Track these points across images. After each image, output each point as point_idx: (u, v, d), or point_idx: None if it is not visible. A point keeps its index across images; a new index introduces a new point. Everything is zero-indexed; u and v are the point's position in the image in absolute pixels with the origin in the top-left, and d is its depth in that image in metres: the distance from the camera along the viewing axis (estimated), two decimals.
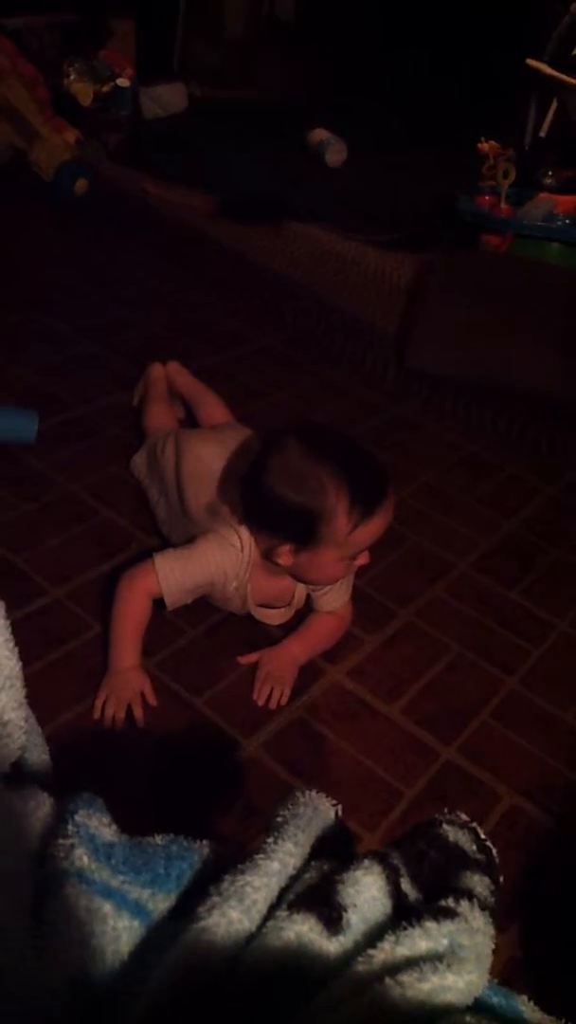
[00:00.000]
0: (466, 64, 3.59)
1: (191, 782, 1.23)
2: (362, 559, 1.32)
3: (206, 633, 1.44)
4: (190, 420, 1.84)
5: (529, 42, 2.96)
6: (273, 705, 1.34)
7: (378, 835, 1.19)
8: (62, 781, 0.67)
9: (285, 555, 1.28)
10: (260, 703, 1.34)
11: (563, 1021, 0.42)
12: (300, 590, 1.41)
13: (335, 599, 1.42)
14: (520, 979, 0.94)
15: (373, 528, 1.25)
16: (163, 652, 1.39)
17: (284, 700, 1.35)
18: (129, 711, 1.28)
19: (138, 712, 1.28)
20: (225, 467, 1.45)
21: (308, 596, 1.43)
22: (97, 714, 1.28)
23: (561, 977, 0.97)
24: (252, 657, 1.40)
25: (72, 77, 3.38)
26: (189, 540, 1.37)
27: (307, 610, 1.46)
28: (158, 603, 1.33)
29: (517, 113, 3.23)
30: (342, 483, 1.21)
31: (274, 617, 1.45)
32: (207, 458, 1.47)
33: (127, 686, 1.30)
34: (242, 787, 1.23)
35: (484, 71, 3.48)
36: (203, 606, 1.45)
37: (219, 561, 1.32)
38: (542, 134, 3.18)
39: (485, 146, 2.70)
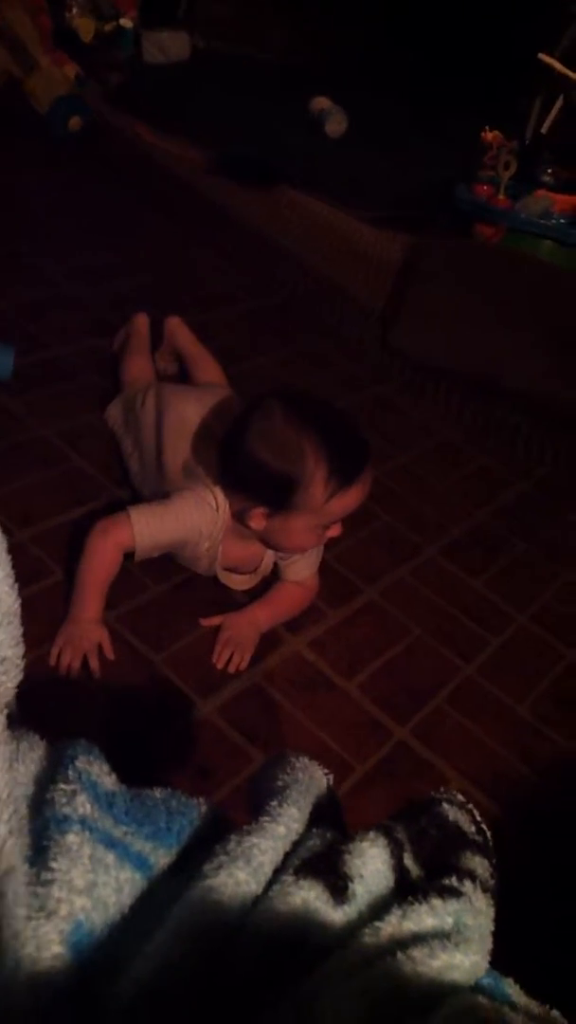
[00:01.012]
0: (477, 52, 3.56)
1: (145, 738, 1.22)
2: (334, 530, 1.31)
3: (170, 591, 1.43)
4: (182, 377, 1.82)
5: (542, 36, 2.94)
6: (232, 669, 1.33)
7: None
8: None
9: (257, 518, 1.27)
10: (219, 666, 1.33)
11: (548, 1007, 0.42)
12: (268, 557, 1.40)
13: (303, 569, 1.42)
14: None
15: (349, 499, 1.25)
16: (125, 606, 1.38)
17: (244, 666, 1.34)
18: (85, 662, 1.27)
19: (94, 664, 1.27)
20: (202, 426, 1.43)
21: (276, 565, 1.43)
22: (53, 661, 1.26)
23: (509, 961, 0.98)
24: (215, 620, 1.39)
25: (75, 11, 3.28)
26: (163, 496, 1.35)
27: (273, 578, 1.45)
28: (125, 555, 1.31)
29: (523, 107, 3.22)
30: (322, 451, 1.20)
31: (239, 583, 1.44)
32: (190, 416, 1.45)
33: (85, 637, 1.28)
34: (195, 748, 1.22)
35: (494, 60, 3.45)
36: (168, 563, 1.43)
37: (195, 519, 1.30)
38: (544, 131, 3.18)
39: (489, 135, 2.68)
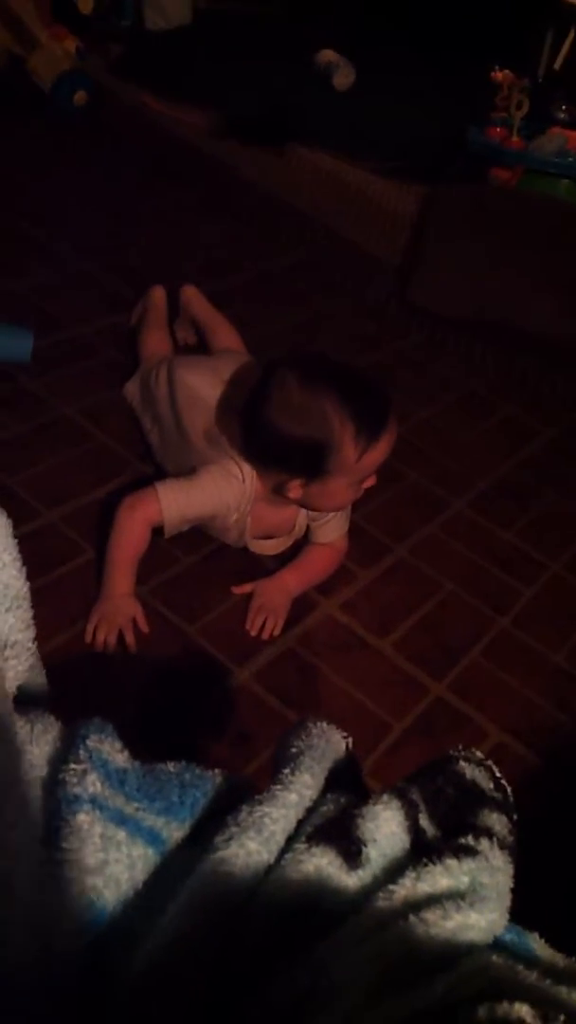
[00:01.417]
0: None
1: (183, 709, 1.23)
2: (370, 481, 1.32)
3: (200, 561, 1.43)
4: (201, 346, 1.81)
5: None
6: (266, 636, 1.34)
7: (367, 767, 1.20)
8: (55, 705, 0.66)
9: (296, 489, 1.27)
10: (253, 633, 1.34)
11: (573, 959, 0.42)
12: (302, 518, 1.40)
13: (333, 530, 1.41)
14: (510, 912, 0.96)
15: (379, 452, 1.25)
16: (157, 579, 1.38)
17: (277, 631, 1.34)
18: (121, 637, 1.28)
19: (130, 638, 1.28)
20: (221, 397, 1.42)
21: (309, 530, 1.42)
22: (89, 638, 1.27)
23: (546, 910, 0.99)
24: (246, 587, 1.39)
25: None
26: (188, 470, 1.35)
27: (303, 541, 1.45)
28: (155, 530, 1.32)
29: (532, 43, 3.13)
30: (345, 410, 1.20)
31: (271, 547, 1.44)
32: (198, 387, 1.45)
33: (120, 612, 1.29)
34: (233, 715, 1.23)
35: None
36: (198, 535, 1.44)
37: (222, 493, 1.31)
38: (557, 67, 3.09)
39: (499, 75, 2.61)
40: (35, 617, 0.53)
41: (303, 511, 1.38)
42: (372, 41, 3.43)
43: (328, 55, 3.25)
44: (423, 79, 3.25)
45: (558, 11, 3.02)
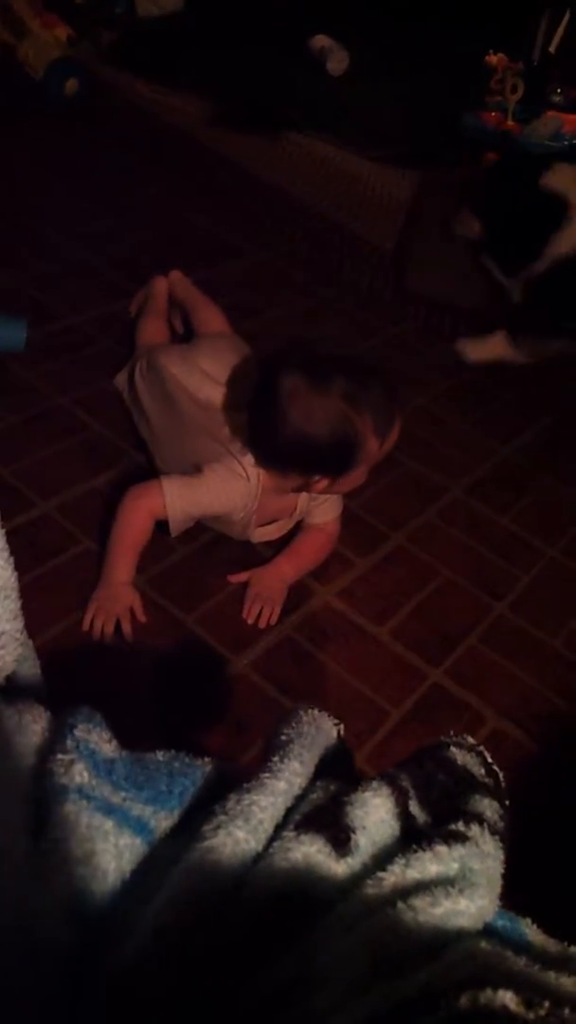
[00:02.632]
0: None
1: (180, 698, 1.23)
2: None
3: (197, 551, 1.43)
4: (188, 332, 1.80)
5: None
6: (263, 624, 1.33)
7: (364, 753, 1.20)
8: (50, 695, 0.66)
9: (320, 485, 1.29)
10: (250, 621, 1.33)
11: (565, 944, 0.42)
12: (303, 500, 1.40)
13: (329, 511, 1.42)
14: (503, 898, 0.96)
15: (395, 434, 1.28)
16: (154, 569, 1.38)
17: (274, 619, 1.34)
18: (118, 626, 1.28)
19: (127, 627, 1.28)
20: (213, 391, 1.41)
21: (307, 511, 1.42)
22: (86, 627, 1.27)
23: (541, 896, 0.99)
24: (242, 576, 1.39)
25: None
26: (185, 465, 1.35)
27: (296, 527, 1.45)
28: (158, 524, 1.32)
29: (527, 25, 3.10)
30: (363, 405, 1.21)
31: (273, 532, 1.44)
32: (181, 376, 1.44)
33: (117, 601, 1.29)
34: (231, 703, 1.23)
35: None
36: (195, 526, 1.43)
37: (229, 493, 1.31)
38: (552, 49, 3.07)
39: (493, 59, 2.59)
40: (31, 608, 0.53)
41: (305, 493, 1.38)
42: (366, 26, 3.41)
43: (322, 40, 3.23)
44: (417, 64, 3.22)
45: None
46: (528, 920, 0.42)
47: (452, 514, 1.61)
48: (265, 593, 1.36)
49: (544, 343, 2.00)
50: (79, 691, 0.90)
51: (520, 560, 1.55)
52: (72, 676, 1.20)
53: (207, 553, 1.43)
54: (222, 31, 3.27)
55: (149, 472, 1.51)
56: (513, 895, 0.48)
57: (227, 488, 1.31)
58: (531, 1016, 0.26)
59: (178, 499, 1.29)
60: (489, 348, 2.01)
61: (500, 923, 0.40)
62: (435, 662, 1.34)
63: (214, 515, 1.37)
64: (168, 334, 1.77)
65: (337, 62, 3.17)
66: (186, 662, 1.28)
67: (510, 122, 2.51)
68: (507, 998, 0.27)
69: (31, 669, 0.64)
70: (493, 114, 2.55)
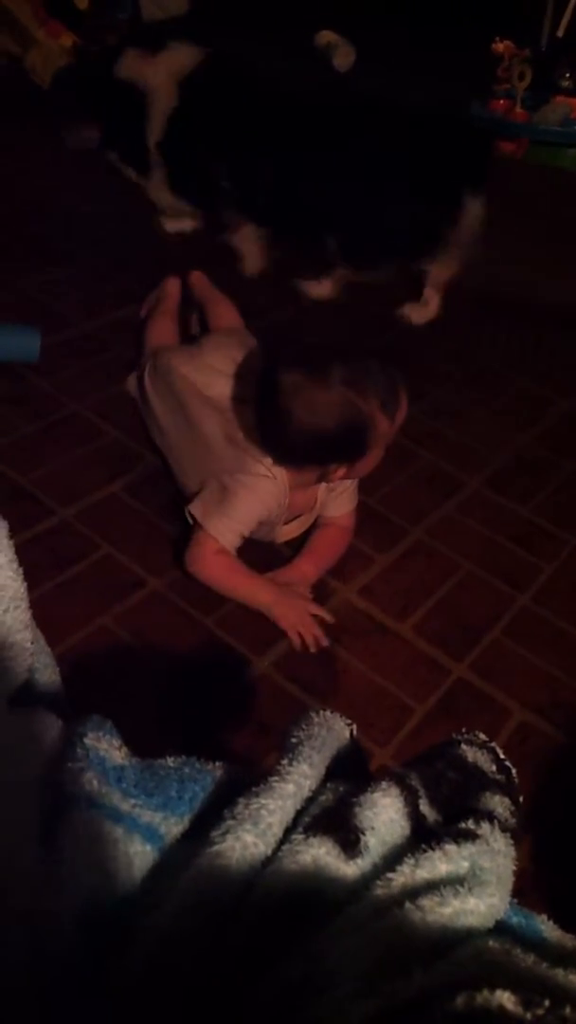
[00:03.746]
0: None
1: (203, 700, 1.23)
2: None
3: None
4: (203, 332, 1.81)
5: None
6: (315, 649, 1.32)
7: (390, 751, 1.20)
8: (74, 701, 0.66)
9: (339, 472, 1.29)
10: (300, 651, 1.32)
11: None
12: (322, 491, 1.40)
13: (344, 504, 1.43)
14: (531, 892, 0.95)
15: (404, 408, 1.28)
16: (172, 572, 1.38)
17: (323, 641, 1.33)
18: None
19: (319, 632, 1.31)
20: (228, 392, 1.42)
21: (324, 505, 1.42)
22: (298, 646, 1.30)
23: (571, 890, 0.98)
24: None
25: None
26: (205, 473, 1.36)
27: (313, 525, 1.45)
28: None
29: (534, 11, 3.08)
30: (366, 389, 1.21)
31: (295, 528, 1.44)
32: (192, 376, 1.45)
33: (293, 609, 1.32)
34: (254, 704, 1.23)
35: None
36: None
37: (261, 499, 1.32)
38: (559, 34, 3.04)
39: (500, 46, 2.58)
40: (53, 614, 0.54)
41: (323, 484, 1.38)
42: (371, 19, 3.40)
43: (327, 36, 3.23)
44: (424, 55, 3.21)
45: None
46: (544, 917, 0.42)
47: (471, 506, 1.60)
48: (292, 617, 1.32)
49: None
50: (101, 696, 0.90)
51: (542, 550, 1.53)
52: (96, 681, 1.21)
53: None
54: (227, 31, 3.27)
55: (166, 476, 1.52)
56: (542, 887, 0.48)
57: (259, 494, 1.31)
58: (528, 1016, 0.26)
59: (226, 531, 1.31)
60: (325, 287, 2.10)
61: (515, 920, 0.40)
62: (459, 657, 1.34)
63: (258, 523, 1.35)
64: (176, 335, 1.77)
65: (343, 56, 3.17)
66: (208, 664, 1.28)
67: (519, 109, 2.50)
68: (504, 998, 0.26)
69: (50, 677, 0.64)
70: (502, 101, 2.54)
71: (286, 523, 1.42)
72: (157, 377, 1.52)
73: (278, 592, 1.33)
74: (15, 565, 0.52)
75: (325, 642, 1.30)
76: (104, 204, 2.33)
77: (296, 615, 1.31)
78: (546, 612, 1.42)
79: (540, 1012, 0.26)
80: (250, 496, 1.31)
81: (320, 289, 2.10)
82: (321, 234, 2.00)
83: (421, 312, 2.07)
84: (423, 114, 1.91)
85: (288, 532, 1.44)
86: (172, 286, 1.86)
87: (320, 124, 1.93)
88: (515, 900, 0.41)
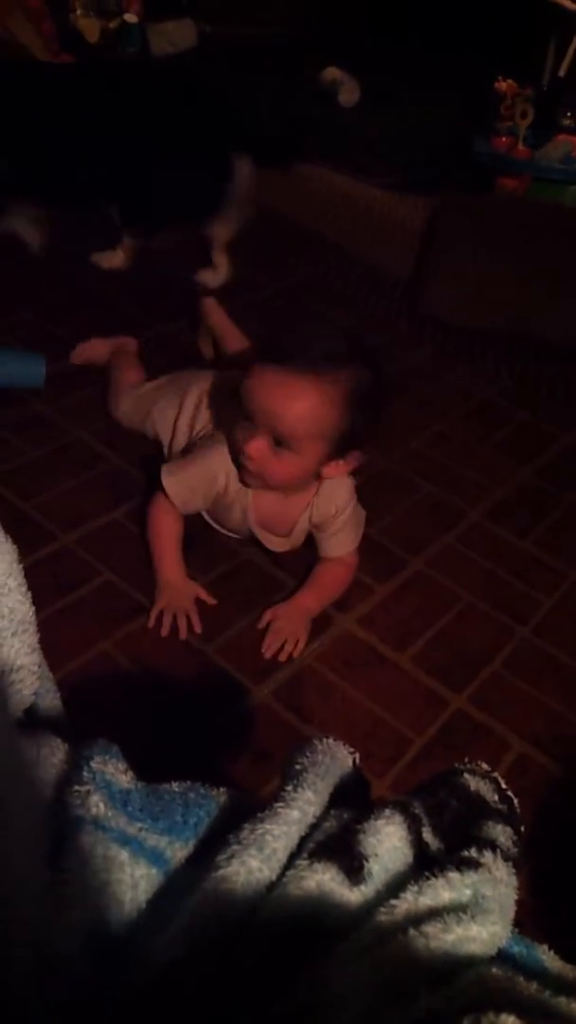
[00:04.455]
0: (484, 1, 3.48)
1: (202, 728, 1.23)
2: None
3: (215, 581, 1.44)
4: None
5: None
6: (284, 658, 1.33)
7: (387, 781, 1.19)
8: (72, 727, 0.66)
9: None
10: (268, 655, 1.33)
11: None
12: (301, 523, 1.39)
13: (345, 544, 1.41)
14: (529, 924, 0.95)
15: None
16: None
17: (297, 653, 1.34)
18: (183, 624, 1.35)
19: (195, 621, 1.35)
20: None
21: (316, 540, 1.42)
22: (152, 624, 1.34)
23: (570, 922, 0.98)
24: (266, 617, 1.38)
25: (79, 12, 3.29)
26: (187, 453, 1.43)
27: (314, 559, 1.45)
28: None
29: (536, 51, 3.14)
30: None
31: (276, 544, 1.44)
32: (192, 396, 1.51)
33: (180, 596, 1.36)
34: (253, 733, 1.23)
35: (502, 5, 3.37)
36: (210, 554, 1.45)
37: (211, 469, 1.35)
38: (561, 73, 3.10)
39: (503, 85, 2.62)
40: (53, 640, 0.54)
41: (304, 515, 1.38)
42: (376, 57, 3.46)
43: (333, 72, 3.28)
44: (427, 92, 3.27)
45: (561, 18, 3.02)
46: (544, 947, 0.42)
47: (472, 538, 1.61)
48: (289, 628, 1.36)
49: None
50: (101, 722, 0.90)
51: (542, 583, 1.54)
52: (95, 707, 1.21)
53: (225, 583, 1.44)
54: (234, 67, 3.33)
55: None
56: (540, 919, 0.48)
57: (211, 463, 1.35)
58: None
59: (173, 481, 1.36)
60: (118, 257, 2.20)
61: (516, 949, 0.40)
62: (458, 688, 1.34)
63: (211, 483, 1.36)
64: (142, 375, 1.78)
65: (348, 93, 3.22)
66: (207, 692, 1.29)
67: (521, 147, 2.54)
68: (510, 1021, 0.27)
69: (52, 701, 0.64)
70: (504, 139, 2.57)
71: (264, 528, 1.42)
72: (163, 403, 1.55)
73: (177, 579, 1.39)
74: (24, 589, 0.53)
75: (196, 630, 1.34)
76: (109, 230, 2.35)
77: (176, 601, 1.36)
78: (546, 645, 1.43)
79: None
80: (203, 463, 1.36)
81: (114, 260, 2.20)
82: (101, 203, 2.13)
83: (213, 276, 2.20)
84: (186, 82, 2.10)
85: (272, 543, 1.44)
86: (129, 344, 1.88)
87: (87, 96, 2.06)
88: (515, 930, 0.42)
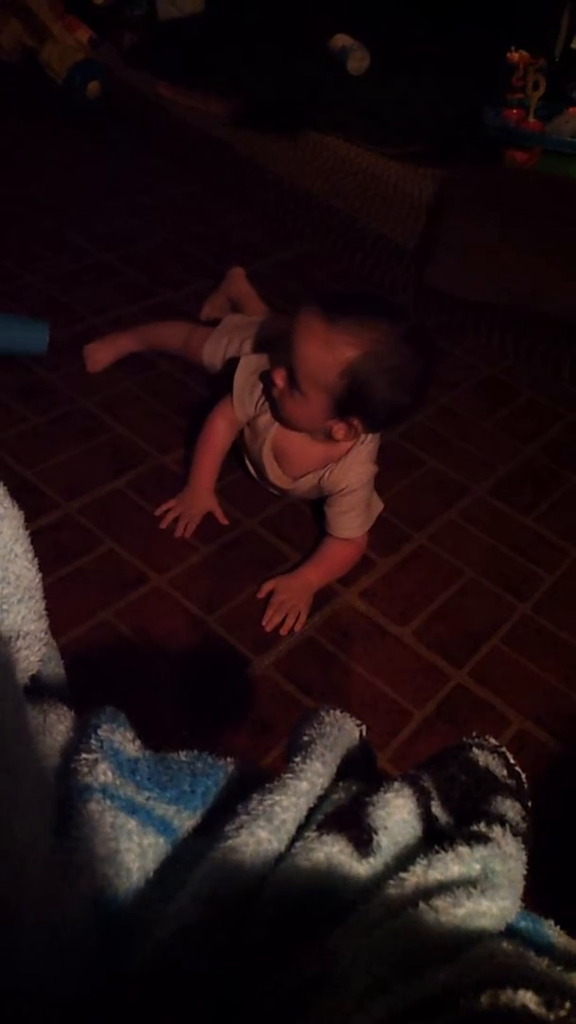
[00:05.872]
0: None
1: (203, 698, 1.23)
2: None
3: (218, 551, 1.43)
4: None
5: None
6: (284, 631, 1.33)
7: (387, 754, 1.20)
8: (74, 695, 0.66)
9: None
10: (268, 628, 1.33)
11: None
12: (311, 476, 1.41)
13: (348, 527, 1.41)
14: (526, 899, 0.95)
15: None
16: (175, 569, 1.39)
17: (299, 627, 1.34)
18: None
19: (190, 529, 1.42)
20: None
21: (327, 518, 1.42)
22: (159, 513, 1.45)
23: (568, 898, 0.98)
24: (267, 587, 1.38)
25: None
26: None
27: (321, 535, 1.45)
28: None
29: (548, 22, 3.09)
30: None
31: (278, 478, 1.46)
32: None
33: (196, 503, 1.44)
34: (253, 704, 1.23)
35: None
36: (215, 525, 1.44)
37: (246, 377, 1.42)
38: (574, 45, 3.05)
39: (515, 56, 2.58)
40: (55, 608, 0.54)
41: (317, 472, 1.40)
42: (386, 24, 3.40)
43: (342, 39, 3.23)
44: (438, 62, 3.22)
45: None
46: (551, 921, 0.42)
47: (475, 514, 1.60)
48: (290, 601, 1.36)
49: None
50: (103, 690, 0.90)
51: (544, 560, 1.54)
52: (96, 676, 1.21)
53: (228, 553, 1.43)
54: (242, 32, 3.28)
55: (171, 473, 1.52)
56: (538, 896, 0.48)
57: (247, 370, 1.42)
58: (551, 1017, 0.26)
59: (244, 363, 1.43)
60: None
61: (523, 924, 0.40)
62: (458, 663, 1.34)
63: (255, 393, 1.41)
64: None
65: (357, 61, 3.17)
66: (208, 662, 1.29)
67: (532, 119, 2.51)
68: (527, 998, 0.26)
69: (55, 669, 0.64)
70: (515, 111, 2.54)
71: (277, 458, 1.43)
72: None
73: (201, 488, 1.47)
74: (30, 555, 0.52)
75: (186, 536, 1.43)
76: (115, 199, 2.33)
77: (189, 506, 1.45)
78: (547, 622, 1.43)
79: (563, 1014, 0.26)
80: (263, 360, 1.42)
81: None
82: None
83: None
84: None
85: (277, 477, 1.46)
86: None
87: None
88: (522, 904, 0.42)
